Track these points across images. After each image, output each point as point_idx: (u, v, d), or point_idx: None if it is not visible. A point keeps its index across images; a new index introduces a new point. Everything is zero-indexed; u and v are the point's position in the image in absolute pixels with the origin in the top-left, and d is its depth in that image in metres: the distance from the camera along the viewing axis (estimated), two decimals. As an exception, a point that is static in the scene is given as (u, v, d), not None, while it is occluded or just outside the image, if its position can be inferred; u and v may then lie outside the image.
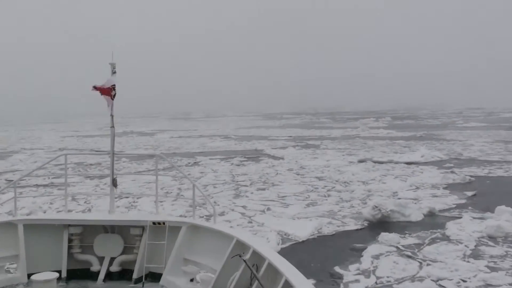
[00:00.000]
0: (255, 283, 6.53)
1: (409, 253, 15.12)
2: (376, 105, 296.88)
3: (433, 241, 16.38)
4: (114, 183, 9.64)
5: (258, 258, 6.88)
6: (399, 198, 22.96)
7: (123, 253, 9.26)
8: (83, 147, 57.49)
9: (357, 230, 18.33)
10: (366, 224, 18.90)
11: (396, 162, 35.85)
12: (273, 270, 6.31)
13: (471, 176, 28.79)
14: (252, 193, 25.48)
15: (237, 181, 29.39)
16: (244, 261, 6.67)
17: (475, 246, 15.67)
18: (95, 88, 9.18)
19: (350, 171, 31.74)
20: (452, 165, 34.18)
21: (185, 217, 15.71)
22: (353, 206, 21.81)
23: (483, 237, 16.58)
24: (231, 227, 13.88)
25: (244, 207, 22.11)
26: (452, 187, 25.85)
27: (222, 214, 20.42)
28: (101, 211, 18.99)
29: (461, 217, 19.09)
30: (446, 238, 16.62)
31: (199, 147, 53.26)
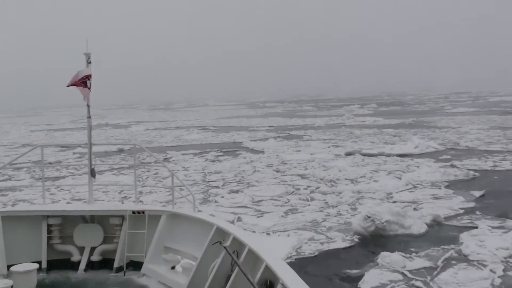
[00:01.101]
0: (236, 269, 6.46)
1: (421, 283, 11.55)
2: (359, 91, 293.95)
3: (448, 263, 12.86)
4: (93, 174, 9.66)
5: (238, 244, 6.83)
6: (395, 202, 19.49)
7: (103, 242, 9.26)
8: (49, 143, 53.21)
9: (347, 248, 14.74)
10: (357, 240, 15.33)
11: (388, 155, 32.26)
12: (254, 256, 6.31)
13: (474, 170, 25.26)
14: (222, 197, 21.81)
15: (208, 182, 25.64)
16: (225, 248, 6.64)
17: (504, 270, 12.13)
18: (70, 85, 9.13)
19: (337, 166, 28.08)
20: (450, 156, 30.69)
21: (165, 206, 15.06)
22: (340, 214, 18.18)
23: (511, 256, 13.05)
24: (210, 215, 13.47)
25: (210, 216, 18.31)
26: (455, 185, 22.33)
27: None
28: (80, 201, 19.46)
29: (476, 227, 15.57)
30: (464, 259, 13.10)
31: (173, 141, 49.29)
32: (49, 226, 9.26)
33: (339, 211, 18.59)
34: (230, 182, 25.26)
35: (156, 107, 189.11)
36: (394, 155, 32.10)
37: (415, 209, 18.29)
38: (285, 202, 20.42)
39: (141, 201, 20.52)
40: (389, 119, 65.14)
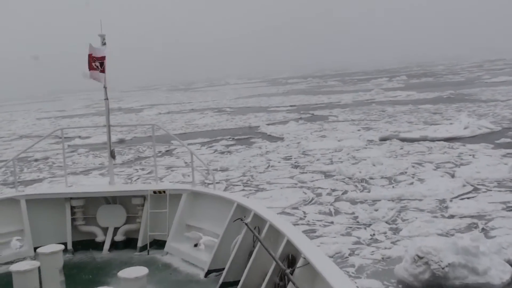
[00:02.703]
0: (258, 245, 6.44)
1: None
2: (384, 62, 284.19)
3: None
4: (112, 155, 9.83)
5: (259, 220, 6.89)
6: (452, 216, 14.10)
7: (126, 222, 9.40)
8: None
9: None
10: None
11: (432, 139, 26.42)
12: (275, 232, 6.35)
13: (553, 160, 19.48)
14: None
15: (208, 184, 20.27)
16: (246, 224, 6.73)
17: None
18: (94, 58, 9.17)
19: (370, 157, 22.50)
20: (511, 140, 24.80)
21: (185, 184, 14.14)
22: (376, 241, 12.84)
23: None
24: (231, 192, 13.02)
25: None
26: (535, 186, 16.63)
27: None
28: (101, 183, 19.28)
29: None
30: None
31: (183, 127, 44.05)
32: (72, 208, 9.43)
33: (373, 235, 13.19)
34: (235, 184, 20.02)
35: (176, 88, 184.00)
36: (440, 139, 26.29)
37: (485, 232, 12.77)
38: (300, 218, 15.12)
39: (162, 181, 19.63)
40: (423, 92, 58.65)
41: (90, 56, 9.24)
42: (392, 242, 12.53)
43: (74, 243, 9.24)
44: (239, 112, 53.98)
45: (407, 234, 13.02)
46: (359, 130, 32.52)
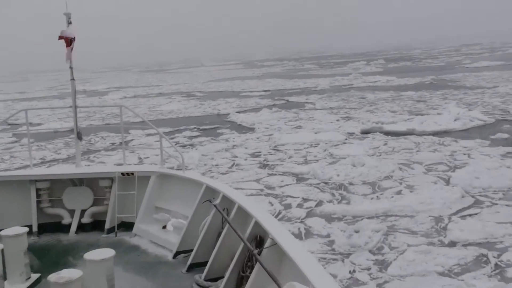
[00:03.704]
0: (227, 226, 6.49)
1: None
2: (361, 46, 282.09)
3: None
4: (79, 136, 9.66)
5: (228, 202, 6.92)
6: (453, 244, 11.07)
7: (93, 205, 9.30)
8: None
9: None
10: None
11: (420, 133, 23.48)
12: (243, 213, 6.39)
13: None
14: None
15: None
16: (215, 205, 6.76)
17: None
18: (61, 37, 8.89)
19: (350, 156, 19.48)
20: (508, 134, 21.98)
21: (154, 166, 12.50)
22: (356, 282, 9.67)
23: None
24: (199, 174, 11.89)
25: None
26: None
27: None
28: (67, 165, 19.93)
29: None
30: None
31: (145, 113, 40.40)
32: (37, 190, 9.21)
33: (353, 272, 10.09)
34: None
35: (149, 69, 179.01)
36: (429, 133, 23.36)
37: (500, 271, 9.78)
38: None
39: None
40: (403, 78, 55.82)
41: (61, 38, 8.91)
42: (379, 286, 9.49)
43: (40, 226, 9.05)
44: (209, 97, 50.50)
45: (397, 272, 9.95)
46: (337, 120, 29.45)
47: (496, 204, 13.55)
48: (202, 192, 7.63)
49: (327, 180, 16.88)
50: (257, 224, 5.78)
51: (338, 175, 17.22)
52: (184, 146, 24.90)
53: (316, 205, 14.39)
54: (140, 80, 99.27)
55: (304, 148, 22.44)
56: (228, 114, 35.73)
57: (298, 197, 15.26)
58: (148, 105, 46.89)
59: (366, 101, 37.42)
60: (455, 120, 24.73)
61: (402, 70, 69.82)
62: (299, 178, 17.40)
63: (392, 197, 14.69)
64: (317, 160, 19.88)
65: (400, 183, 15.98)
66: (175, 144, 25.18)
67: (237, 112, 35.94)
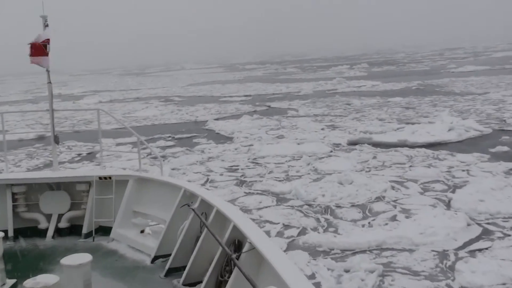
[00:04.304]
0: (205, 230, 6.45)
1: None
2: (344, 49, 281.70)
3: None
4: (56, 140, 9.49)
5: (206, 206, 6.89)
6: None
7: (70, 209, 9.17)
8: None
9: None
10: None
11: (412, 145, 21.61)
12: (222, 217, 6.39)
13: None
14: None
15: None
16: (193, 210, 6.75)
17: None
18: (30, 45, 8.74)
19: (337, 171, 17.63)
20: (508, 147, 20.20)
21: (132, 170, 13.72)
22: None
23: None
24: (178, 178, 12.71)
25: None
26: None
27: None
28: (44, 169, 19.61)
29: None
30: None
31: (119, 120, 38.09)
32: (13, 194, 9.08)
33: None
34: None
35: (130, 72, 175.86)
36: (422, 145, 21.53)
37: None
38: None
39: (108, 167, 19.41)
40: (389, 82, 54.18)
41: (32, 44, 8.72)
42: None
43: (16, 231, 8.88)
44: (188, 102, 48.32)
45: None
46: (322, 129, 27.48)
47: (509, 235, 11.67)
48: (180, 196, 7.53)
49: (311, 201, 14.90)
50: (235, 228, 5.74)
51: (323, 195, 15.27)
52: (155, 158, 22.72)
53: (299, 234, 12.42)
54: (118, 84, 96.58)
55: (286, 161, 20.46)
56: (206, 121, 33.63)
57: (278, 223, 13.27)
58: (124, 111, 44.59)
59: (351, 107, 35.56)
60: (449, 130, 22.94)
61: (387, 75, 68.29)
62: (280, 199, 15.40)
63: (387, 224, 12.76)
64: (300, 176, 17.93)
65: (394, 206, 14.05)
66: (147, 156, 23.18)
67: (215, 119, 33.86)
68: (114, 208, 8.76)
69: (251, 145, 24.05)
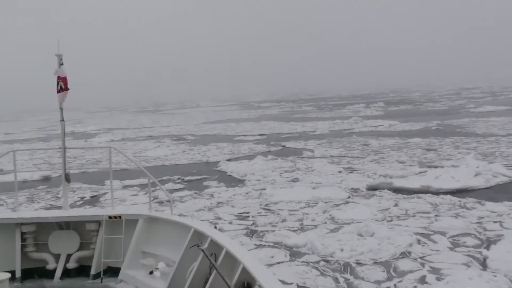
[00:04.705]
0: (214, 272, 6.44)
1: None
2: (359, 87, 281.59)
3: None
4: (67, 178, 9.45)
5: (216, 247, 6.84)
6: None
7: (79, 249, 9.10)
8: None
9: None
10: None
11: (437, 192, 20.10)
12: (231, 258, 6.33)
13: None
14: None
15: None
16: (202, 250, 6.65)
17: None
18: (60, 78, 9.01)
19: (356, 220, 16.24)
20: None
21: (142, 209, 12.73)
22: None
23: None
24: (188, 217, 12.56)
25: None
26: None
27: None
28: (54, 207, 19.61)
29: None
30: None
31: (128, 160, 37.09)
32: (22, 234, 8.98)
33: None
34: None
35: (145, 109, 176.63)
36: (447, 192, 20.00)
37: None
38: None
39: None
40: (407, 122, 52.81)
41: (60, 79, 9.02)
42: None
43: (24, 271, 8.71)
44: (201, 141, 47.27)
45: None
46: (339, 171, 26.07)
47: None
48: (190, 236, 7.48)
49: (329, 256, 13.43)
50: (244, 270, 5.70)
51: (342, 250, 13.79)
52: (161, 202, 21.49)
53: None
54: (133, 121, 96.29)
55: (301, 208, 19.04)
56: (218, 162, 32.39)
57: (291, 284, 11.80)
58: (135, 150, 43.61)
59: (370, 148, 34.16)
60: (475, 175, 21.42)
61: (404, 114, 66.96)
62: (294, 253, 13.94)
63: (415, 287, 11.24)
64: (316, 226, 16.48)
65: (422, 264, 12.52)
66: (153, 200, 21.95)
67: (227, 160, 32.60)
68: (123, 248, 8.68)
69: (263, 189, 22.70)
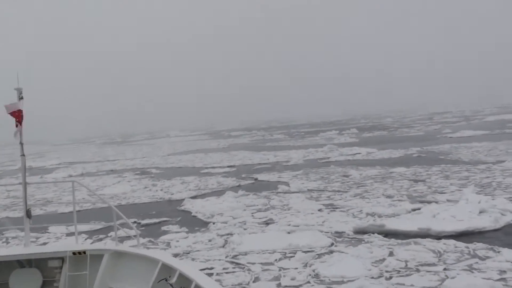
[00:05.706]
0: None
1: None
2: (329, 115, 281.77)
3: None
4: (28, 214, 9.16)
5: (185, 280, 6.73)
6: None
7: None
8: None
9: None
10: None
11: (438, 235, 16.82)
12: None
13: None
14: None
15: None
16: (171, 285, 6.64)
17: None
18: (12, 113, 8.75)
19: (345, 278, 13.05)
20: None
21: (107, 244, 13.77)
22: None
23: None
24: (157, 250, 12.19)
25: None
26: None
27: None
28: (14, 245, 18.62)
29: None
30: None
31: (83, 198, 33.17)
32: None
33: None
34: None
35: (113, 141, 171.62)
36: (450, 235, 16.75)
37: None
38: None
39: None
40: (385, 149, 49.95)
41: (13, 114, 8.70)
42: None
43: None
44: (165, 175, 43.46)
45: None
46: (319, 210, 22.67)
47: None
48: (158, 270, 7.26)
49: None
50: None
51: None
52: (127, 237, 17.68)
53: None
54: (97, 154, 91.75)
55: (275, 260, 15.55)
56: (182, 200, 28.72)
57: None
58: (92, 186, 39.55)
59: (350, 180, 30.92)
60: (480, 212, 18.26)
61: (380, 141, 64.35)
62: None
63: None
64: (296, 286, 13.01)
65: None
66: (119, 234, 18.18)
67: (192, 198, 28.94)
68: (89, 285, 8.39)
69: (231, 234, 19.13)
